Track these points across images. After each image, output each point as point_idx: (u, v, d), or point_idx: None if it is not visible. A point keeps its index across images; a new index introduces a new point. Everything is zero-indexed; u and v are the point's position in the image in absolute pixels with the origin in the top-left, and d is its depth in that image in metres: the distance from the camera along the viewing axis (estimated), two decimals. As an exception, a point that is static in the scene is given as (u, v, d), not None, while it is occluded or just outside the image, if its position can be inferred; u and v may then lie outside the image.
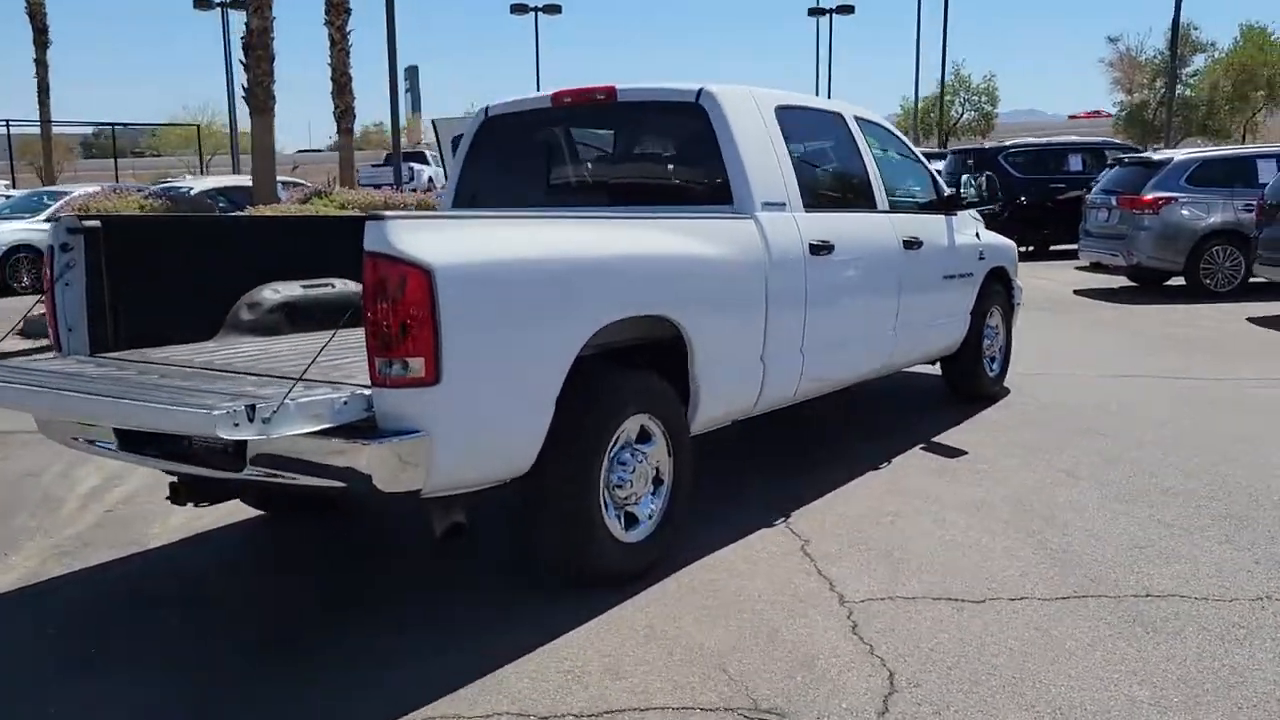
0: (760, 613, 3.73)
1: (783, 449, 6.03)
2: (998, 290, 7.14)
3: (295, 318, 4.69)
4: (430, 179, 36.47)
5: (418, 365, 3.15)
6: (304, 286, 4.78)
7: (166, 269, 4.35)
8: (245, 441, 3.20)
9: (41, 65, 31.06)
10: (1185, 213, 12.74)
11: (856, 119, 5.89)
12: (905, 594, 3.88)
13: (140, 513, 5.06)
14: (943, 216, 6.46)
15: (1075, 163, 18.79)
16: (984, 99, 59.56)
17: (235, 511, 4.84)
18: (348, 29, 19.69)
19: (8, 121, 33.18)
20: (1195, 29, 42.31)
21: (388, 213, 3.19)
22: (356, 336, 3.45)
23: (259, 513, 4.90)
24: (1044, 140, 20.52)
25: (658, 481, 4.14)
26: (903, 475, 5.42)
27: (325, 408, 3.07)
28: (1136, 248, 12.93)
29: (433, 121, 6.93)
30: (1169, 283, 13.70)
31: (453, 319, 3.18)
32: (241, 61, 13.95)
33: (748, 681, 3.22)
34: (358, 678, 3.31)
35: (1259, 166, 12.82)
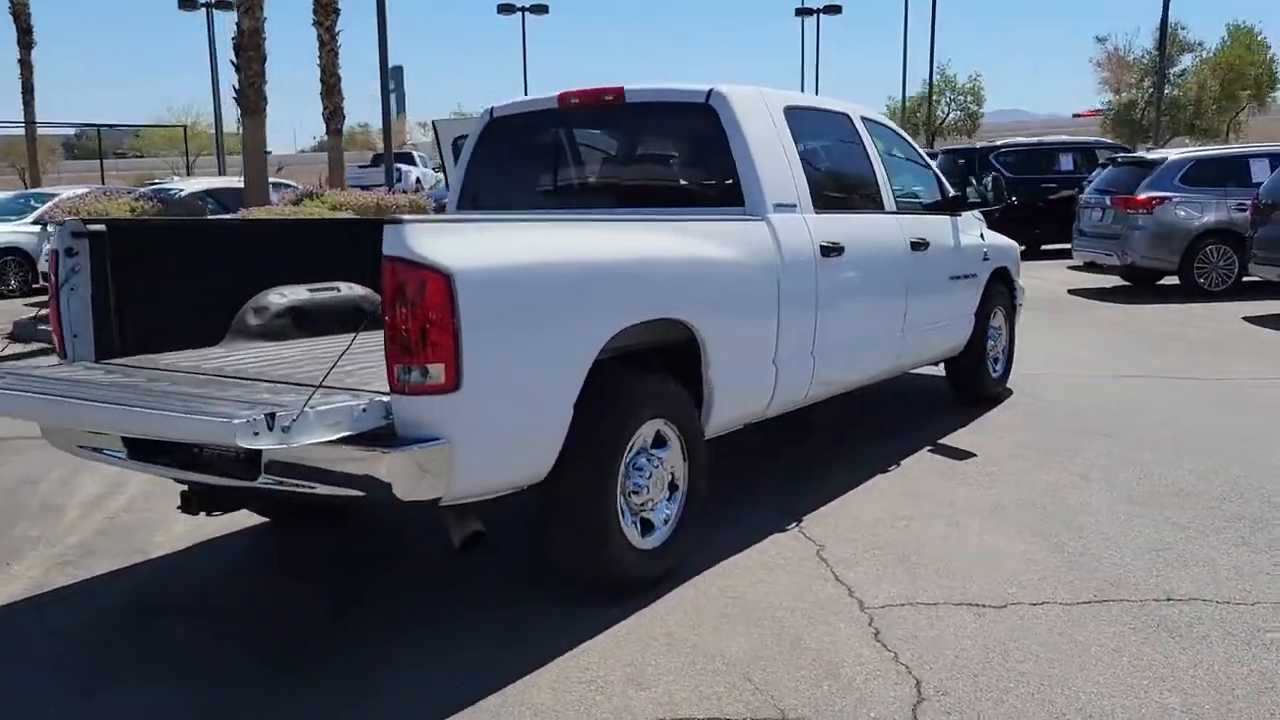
0: (781, 620, 3.69)
1: (790, 451, 5.99)
2: (1001, 291, 7.12)
3: (301, 322, 4.63)
4: (418, 180, 36.36)
5: (438, 371, 3.09)
6: (310, 290, 4.72)
7: (172, 273, 4.29)
8: (260, 450, 3.14)
9: (26, 66, 30.82)
10: (1179, 212, 12.76)
11: (863, 119, 5.86)
12: (925, 599, 3.84)
13: (143, 520, 4.98)
14: (948, 217, 6.43)
15: (1066, 162, 18.83)
16: (969, 99, 59.74)
17: (240, 519, 4.76)
18: (337, 29, 19.58)
19: (-9, 123, 32.98)
20: (1183, 29, 42.56)
21: (406, 216, 3.14)
22: (369, 341, 3.39)
23: (264, 520, 4.83)
24: (1035, 140, 20.54)
25: (673, 487, 4.09)
26: (913, 478, 5.39)
27: (344, 415, 3.02)
28: (1131, 247, 12.95)
29: (433, 123, 6.86)
30: (1163, 282, 13.73)
31: (473, 324, 3.13)
32: (233, 62, 13.83)
33: (773, 691, 3.18)
34: (371, 689, 3.26)
35: (1252, 166, 12.86)
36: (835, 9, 45.51)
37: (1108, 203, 13.50)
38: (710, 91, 4.75)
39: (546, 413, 3.48)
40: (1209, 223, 12.69)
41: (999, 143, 20.11)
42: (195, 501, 3.86)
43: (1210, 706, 3.04)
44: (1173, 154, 13.66)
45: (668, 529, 4.03)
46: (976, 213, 6.95)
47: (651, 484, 3.93)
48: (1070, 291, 13.83)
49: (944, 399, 7.16)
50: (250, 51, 13.59)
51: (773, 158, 4.78)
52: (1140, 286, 13.92)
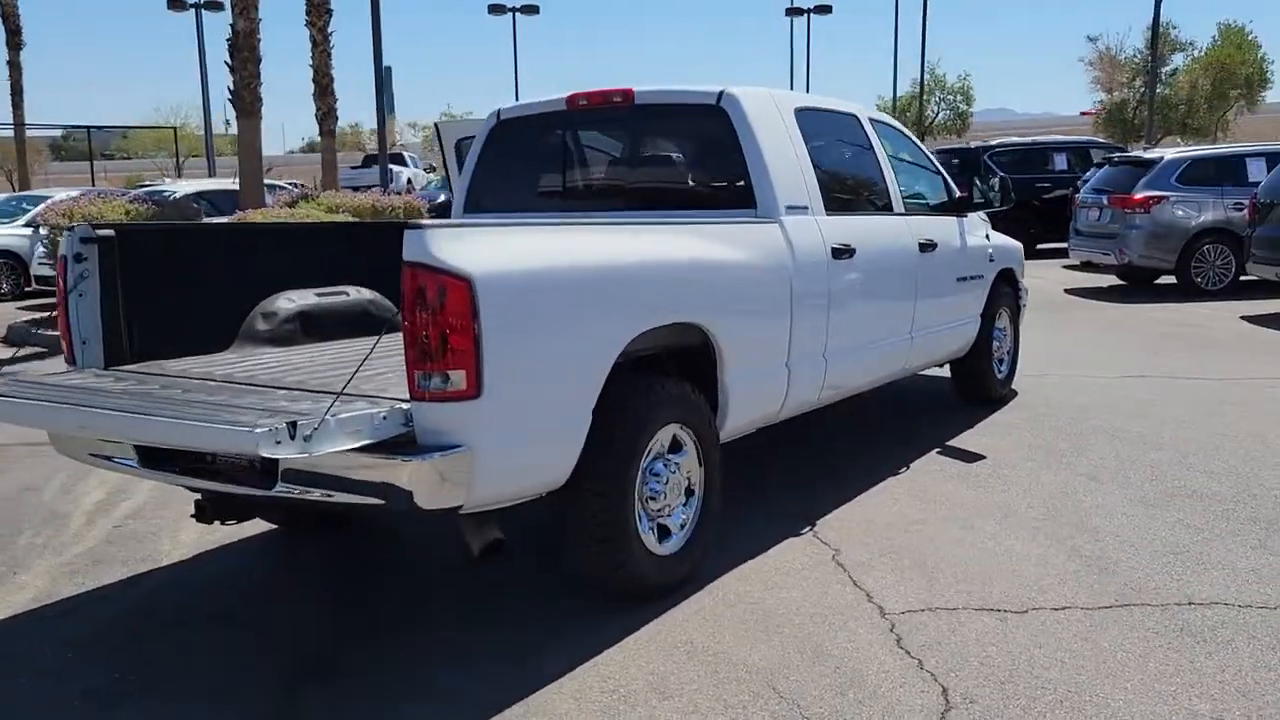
0: (801, 627, 3.65)
1: (800, 454, 5.96)
2: (1005, 292, 7.10)
3: (310, 327, 4.59)
4: (409, 180, 36.24)
5: (459, 378, 3.05)
6: (318, 295, 4.68)
7: (180, 278, 4.24)
8: (277, 458, 3.09)
9: (15, 67, 30.58)
10: (1176, 211, 12.78)
11: (871, 120, 5.83)
12: (945, 605, 3.81)
13: (149, 528, 4.92)
14: (954, 218, 6.41)
15: (1060, 162, 18.88)
16: (959, 98, 59.81)
17: (248, 525, 4.70)
18: (329, 30, 19.47)
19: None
20: (1174, 28, 42.66)
21: (426, 221, 3.10)
22: (382, 346, 3.35)
23: (272, 527, 4.78)
24: (1029, 140, 20.58)
25: (689, 492, 4.06)
26: (924, 480, 5.36)
27: (364, 423, 2.98)
28: (1128, 246, 12.96)
29: (435, 125, 6.81)
30: (1159, 281, 13.75)
31: (494, 329, 3.09)
32: (227, 63, 13.74)
33: (799, 700, 3.15)
34: (389, 701, 3.22)
35: (1249, 165, 12.88)
36: (825, 9, 45.51)
37: (1105, 202, 13.51)
38: (721, 93, 4.72)
39: (566, 418, 3.44)
40: (1206, 222, 12.71)
41: (993, 142, 20.16)
42: (210, 510, 3.82)
43: (1239, 713, 3.01)
44: (1169, 153, 13.68)
45: (684, 534, 4.00)
46: (982, 213, 6.93)
47: (668, 489, 3.90)
48: (1067, 291, 13.84)
49: (948, 400, 7.14)
50: (245, 53, 13.50)
51: (784, 159, 4.75)
52: (1137, 286, 13.94)
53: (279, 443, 2.73)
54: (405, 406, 3.09)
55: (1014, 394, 7.31)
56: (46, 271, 12.91)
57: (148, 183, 24.64)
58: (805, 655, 3.44)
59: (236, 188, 16.15)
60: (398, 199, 15.00)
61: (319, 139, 20.56)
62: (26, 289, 15.94)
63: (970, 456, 5.79)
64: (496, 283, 3.11)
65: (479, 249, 3.15)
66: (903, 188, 5.85)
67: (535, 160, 5.54)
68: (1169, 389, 7.49)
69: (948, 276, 6.15)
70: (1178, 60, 43.58)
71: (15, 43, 30.51)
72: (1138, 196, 12.90)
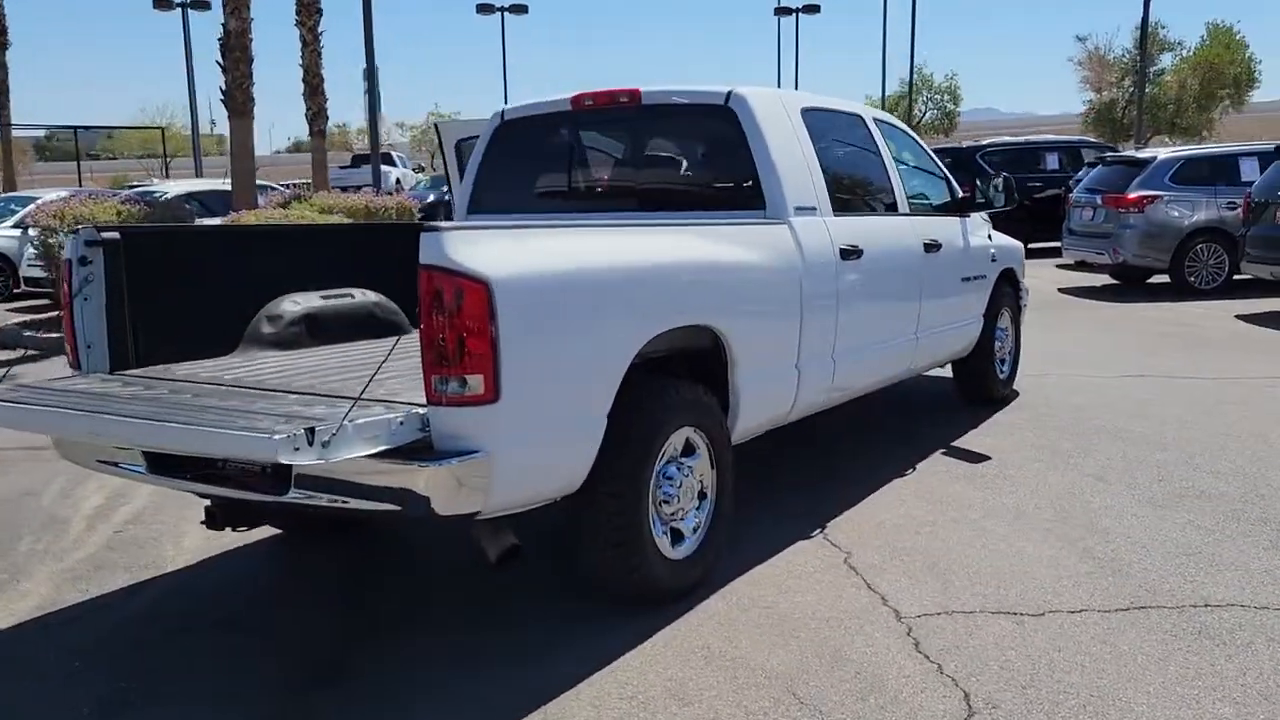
0: (817, 631, 3.63)
1: (805, 455, 5.93)
2: (1007, 292, 7.08)
3: (315, 329, 4.54)
4: (398, 181, 36.12)
5: (476, 383, 3.02)
6: (323, 297, 4.63)
7: (185, 281, 4.19)
8: (290, 464, 3.05)
9: (1, 67, 30.36)
10: (1170, 211, 12.81)
11: (875, 120, 5.82)
12: (961, 608, 3.79)
13: (151, 533, 4.87)
14: (958, 219, 6.40)
15: (1052, 161, 18.89)
16: (946, 98, 60.03)
17: (253, 531, 4.65)
18: (320, 30, 19.40)
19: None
20: (1163, 28, 42.87)
21: (443, 223, 3.05)
22: (400, 349, 3.31)
23: (277, 532, 4.72)
24: (1021, 139, 20.62)
25: (701, 495, 4.02)
26: (930, 482, 5.34)
27: (382, 429, 2.94)
28: (1122, 246, 12.99)
29: (435, 125, 6.76)
30: (1152, 280, 13.78)
31: (511, 333, 3.06)
32: (219, 63, 13.65)
33: (820, 706, 3.12)
34: (401, 709, 3.18)
35: (1241, 165, 12.92)
36: (814, 8, 45.60)
37: (1099, 202, 13.53)
38: (729, 93, 4.69)
39: (582, 422, 3.41)
40: (1199, 221, 12.75)
41: (985, 142, 20.18)
42: (221, 517, 3.77)
43: (1263, 717, 3.00)
44: (1163, 153, 13.71)
45: (697, 538, 3.97)
46: (983, 213, 6.92)
47: (682, 493, 3.87)
48: (1061, 290, 13.85)
49: (949, 401, 7.12)
50: (237, 52, 13.42)
51: (792, 160, 4.72)
52: (1130, 285, 13.97)
53: (297, 449, 2.69)
54: (422, 411, 3.05)
55: (1015, 394, 7.30)
56: (37, 273, 12.79)
57: (136, 183, 24.46)
58: (824, 660, 3.41)
59: (227, 188, 16.07)
60: (391, 199, 14.95)
61: (306, 139, 20.51)
62: (15, 291, 15.81)
63: (975, 457, 5.77)
64: (514, 285, 3.08)
65: (496, 251, 3.11)
66: (907, 188, 5.84)
67: (540, 161, 5.50)
68: (1167, 388, 7.49)
69: (952, 277, 6.14)
70: (1166, 60, 43.82)
71: (1, 43, 30.27)
72: (1132, 196, 12.93)
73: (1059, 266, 16.53)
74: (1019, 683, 3.22)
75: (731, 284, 4.15)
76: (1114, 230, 13.09)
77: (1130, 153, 15.28)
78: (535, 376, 3.17)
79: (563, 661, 3.42)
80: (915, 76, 49.31)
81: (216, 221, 11.97)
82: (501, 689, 3.27)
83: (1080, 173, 16.39)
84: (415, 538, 4.81)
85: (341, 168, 36.60)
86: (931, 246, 5.79)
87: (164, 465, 3.48)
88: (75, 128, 37.50)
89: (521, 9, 42.79)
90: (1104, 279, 14.65)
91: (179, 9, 33.43)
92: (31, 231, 13.13)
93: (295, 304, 4.49)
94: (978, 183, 6.62)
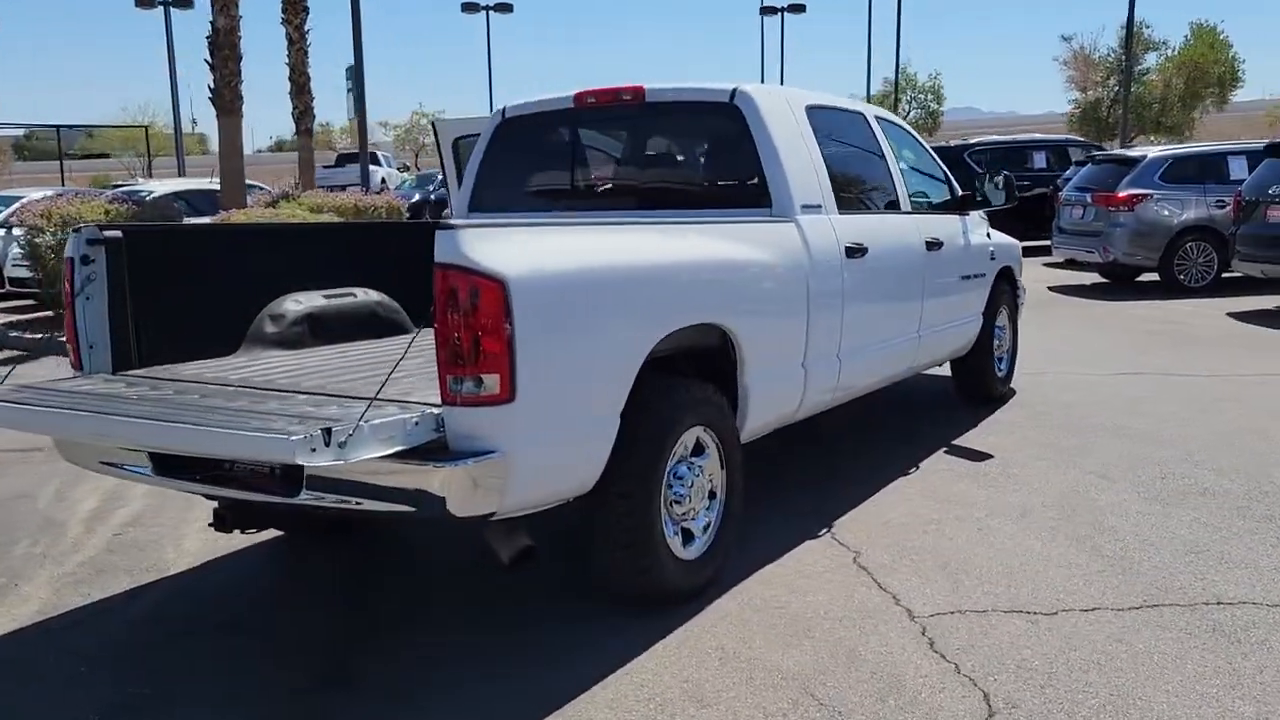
0: (831, 631, 3.60)
1: (808, 453, 5.91)
2: (1005, 290, 7.08)
3: (318, 329, 4.50)
4: (383, 180, 35.97)
5: (492, 382, 2.98)
6: (326, 297, 4.58)
7: (187, 280, 4.14)
8: (302, 465, 3.01)
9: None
10: (1160, 209, 12.86)
11: (877, 118, 5.80)
12: (974, 607, 3.77)
13: (150, 536, 4.81)
14: (958, 217, 6.39)
15: (1039, 160, 18.93)
16: (930, 97, 60.16)
17: (261, 532, 4.60)
18: (306, 28, 19.27)
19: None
20: (1147, 27, 43.11)
21: (458, 221, 3.02)
22: (397, 349, 3.27)
23: (278, 533, 4.67)
24: (1008, 138, 20.67)
25: (711, 495, 4.00)
26: (934, 480, 5.33)
27: (398, 429, 2.90)
28: (1112, 244, 13.03)
29: (432, 123, 6.70)
30: (1141, 279, 13.83)
31: (527, 332, 3.02)
32: (207, 61, 13.52)
33: (840, 707, 3.10)
34: (420, 710, 3.14)
35: (1230, 164, 12.98)
36: (799, 8, 45.65)
37: (1089, 200, 13.57)
38: (735, 91, 4.66)
39: (597, 422, 3.38)
40: (1189, 220, 12.80)
41: (972, 141, 20.22)
42: (230, 519, 3.72)
43: (1284, 714, 2.99)
44: (1152, 152, 13.76)
45: (707, 538, 3.94)
46: (981, 211, 6.91)
47: (693, 493, 3.84)
48: (1051, 289, 13.88)
49: (948, 399, 7.11)
50: (225, 50, 13.31)
51: (798, 158, 4.70)
52: (1120, 283, 14.01)
53: (314, 450, 2.65)
54: (437, 411, 3.01)
55: (1013, 392, 7.30)
56: (22, 273, 12.64)
57: (119, 183, 24.26)
58: (839, 660, 3.39)
59: (214, 187, 15.95)
60: (379, 199, 14.88)
61: (289, 138, 20.45)
62: (0, 291, 15.63)
63: (977, 455, 5.76)
64: (530, 284, 3.04)
65: (511, 250, 3.08)
66: (908, 186, 5.82)
67: (542, 159, 5.47)
68: (1163, 386, 7.51)
69: (953, 275, 6.13)
70: (1151, 60, 44.05)
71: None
72: (1121, 195, 12.97)
73: (1047, 265, 16.55)
74: (1037, 682, 3.21)
75: (741, 283, 4.12)
76: (1104, 229, 13.13)
77: (1120, 151, 15.32)
78: (551, 376, 3.14)
79: (576, 663, 3.39)
80: (899, 76, 49.41)
81: (205, 221, 11.86)
82: (517, 690, 3.24)
83: (1068, 171, 16.44)
84: (417, 538, 4.76)
85: (326, 167, 36.42)
86: (933, 245, 5.78)
87: (170, 467, 3.43)
88: (58, 126, 37.17)
89: (507, 8, 42.70)
90: (1093, 277, 14.69)
91: (161, 7, 33.11)
92: (16, 231, 12.99)
93: (298, 303, 4.44)
94: (977, 181, 6.62)
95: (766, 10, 46.30)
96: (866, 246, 4.93)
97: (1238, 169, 12.77)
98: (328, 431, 2.67)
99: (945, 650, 3.43)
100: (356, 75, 17.05)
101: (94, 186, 24.00)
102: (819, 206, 4.72)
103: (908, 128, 6.40)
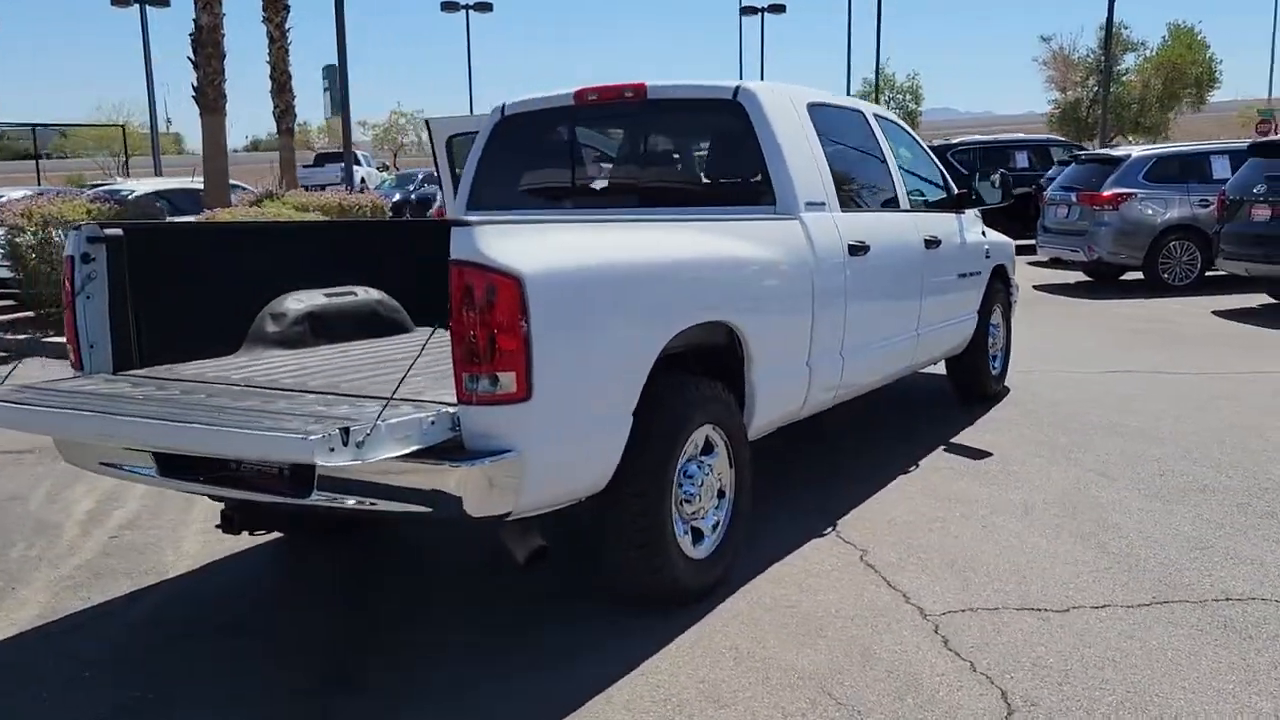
0: (844, 630, 3.59)
1: (809, 451, 5.89)
2: (999, 288, 7.10)
3: (319, 328, 4.45)
4: (362, 179, 35.76)
5: (508, 380, 2.95)
6: (326, 295, 4.53)
7: (189, 279, 4.08)
8: (313, 465, 2.97)
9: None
10: (1144, 208, 12.93)
11: (875, 116, 5.80)
12: (985, 605, 3.77)
13: (148, 538, 4.74)
14: (954, 215, 6.40)
15: (1021, 159, 19.01)
16: (908, 97, 60.43)
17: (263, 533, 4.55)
18: (287, 26, 19.11)
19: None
20: (1126, 28, 43.42)
21: (473, 219, 2.98)
22: (402, 349, 3.24)
23: (279, 534, 4.61)
24: (990, 138, 20.76)
25: (720, 494, 3.98)
26: (936, 478, 5.33)
27: (414, 428, 2.86)
28: (1097, 243, 13.09)
29: (426, 121, 6.65)
30: (1125, 277, 13.91)
31: (543, 330, 2.99)
32: (190, 59, 13.39)
33: (858, 706, 3.08)
34: (422, 714, 3.10)
35: (1213, 163, 13.07)
36: (780, 8, 45.74)
37: (1073, 199, 13.64)
38: (738, 88, 4.65)
39: (611, 419, 3.35)
40: (1172, 219, 12.88)
41: (955, 141, 20.29)
42: (238, 521, 3.67)
43: (1301, 710, 3.00)
44: (1136, 151, 13.84)
45: (716, 537, 3.92)
46: (975, 210, 6.93)
47: (702, 491, 3.82)
48: (1036, 287, 13.92)
49: (944, 397, 7.12)
50: (209, 48, 13.18)
51: (801, 156, 4.69)
52: (1104, 282, 14.08)
53: (332, 450, 2.61)
54: (452, 410, 2.97)
55: (1007, 390, 7.32)
56: (3, 274, 12.47)
57: (97, 183, 23.99)
58: (854, 659, 3.37)
59: (195, 187, 15.81)
60: (364, 198, 14.79)
61: (264, 138, 20.28)
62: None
63: (976, 454, 5.76)
64: (546, 281, 3.01)
65: (527, 247, 3.04)
66: (906, 184, 5.82)
67: (542, 157, 5.43)
68: (1153, 384, 7.55)
69: (951, 273, 6.13)
70: (1130, 60, 44.38)
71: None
72: (1106, 194, 13.04)
73: (1031, 264, 16.62)
74: (1054, 679, 3.20)
75: (749, 280, 4.11)
76: (1089, 228, 13.20)
77: (1105, 151, 15.40)
78: (566, 374, 3.11)
79: (590, 664, 3.36)
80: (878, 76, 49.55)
81: (191, 219, 11.74)
82: (524, 691, 3.21)
83: (1051, 171, 16.51)
84: (418, 538, 4.72)
85: (305, 166, 36.22)
86: (931, 243, 5.78)
87: (175, 468, 3.38)
88: (34, 125, 36.76)
89: (486, 7, 42.58)
90: (1077, 275, 14.76)
91: (137, 5, 32.79)
92: (-3, 230, 12.81)
93: (299, 302, 4.39)
94: (974, 180, 6.64)
95: (747, 10, 46.37)
96: (868, 244, 4.92)
97: (1220, 169, 12.86)
98: (345, 431, 2.63)
99: (959, 648, 3.42)
100: (341, 75, 16.94)
101: (70, 186, 23.75)
102: (822, 204, 4.71)
103: (905, 126, 6.41)
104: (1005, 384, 7.38)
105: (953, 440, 6.05)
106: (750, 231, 4.24)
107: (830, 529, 4.60)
